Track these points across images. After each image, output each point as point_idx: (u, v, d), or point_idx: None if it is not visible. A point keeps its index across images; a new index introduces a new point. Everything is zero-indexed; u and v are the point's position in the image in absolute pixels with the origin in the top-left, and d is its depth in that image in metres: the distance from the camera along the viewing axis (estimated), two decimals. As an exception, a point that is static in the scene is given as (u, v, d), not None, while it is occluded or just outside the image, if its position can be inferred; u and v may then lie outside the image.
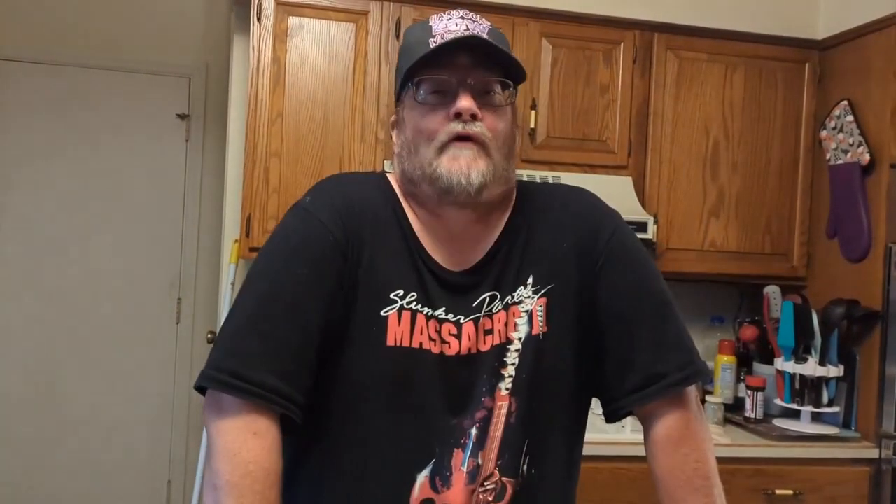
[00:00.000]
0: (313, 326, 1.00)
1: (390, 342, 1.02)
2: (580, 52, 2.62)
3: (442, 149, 1.02)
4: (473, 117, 1.02)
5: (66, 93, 3.39)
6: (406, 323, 1.03)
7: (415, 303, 1.04)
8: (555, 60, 2.60)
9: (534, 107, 2.57)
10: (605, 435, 2.29)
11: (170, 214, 3.51)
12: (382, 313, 1.03)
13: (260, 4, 2.42)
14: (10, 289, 3.36)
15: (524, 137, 2.56)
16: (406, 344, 1.03)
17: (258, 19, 2.42)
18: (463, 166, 1.01)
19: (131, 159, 3.46)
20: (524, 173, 2.49)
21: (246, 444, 0.95)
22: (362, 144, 2.48)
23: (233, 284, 2.67)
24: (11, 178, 3.36)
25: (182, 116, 3.50)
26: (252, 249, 2.43)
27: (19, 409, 3.35)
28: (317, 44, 2.46)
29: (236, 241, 2.60)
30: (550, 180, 2.52)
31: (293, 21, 2.44)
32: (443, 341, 1.04)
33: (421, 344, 1.03)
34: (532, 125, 2.57)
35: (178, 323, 3.52)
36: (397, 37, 2.48)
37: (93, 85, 3.42)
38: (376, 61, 2.48)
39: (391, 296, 1.03)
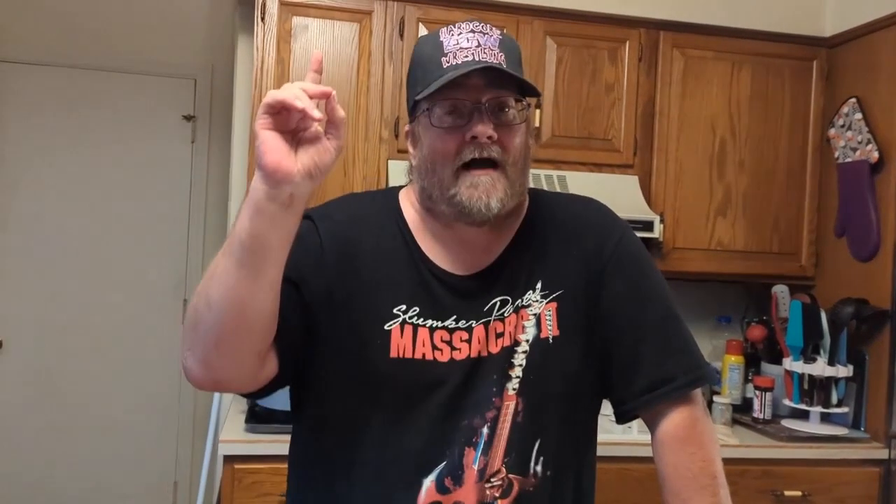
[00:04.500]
0: (289, 306, 1.02)
1: (393, 354, 1.06)
2: (585, 51, 2.60)
3: (458, 173, 1.04)
4: (490, 139, 1.03)
5: (72, 95, 3.40)
6: (408, 336, 1.06)
7: (416, 317, 1.07)
8: (559, 59, 2.59)
9: (539, 105, 2.55)
10: (611, 435, 2.27)
11: (175, 215, 3.51)
12: (386, 327, 1.06)
13: (264, 5, 2.42)
14: (16, 289, 3.36)
15: (529, 137, 2.54)
16: (408, 355, 1.06)
17: (262, 20, 2.42)
18: (482, 195, 1.03)
19: (137, 161, 3.46)
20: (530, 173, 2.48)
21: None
22: (366, 144, 2.47)
23: (238, 285, 2.66)
24: (18, 180, 3.37)
25: (188, 118, 3.51)
26: (256, 250, 2.42)
27: (25, 410, 3.36)
28: (321, 44, 2.46)
29: (241, 241, 2.60)
30: (556, 179, 2.51)
31: (297, 21, 2.44)
32: (453, 348, 1.07)
33: (424, 355, 1.06)
34: (537, 123, 2.55)
35: (183, 323, 3.51)
36: (401, 36, 2.47)
37: (98, 87, 3.42)
38: (380, 61, 2.48)
39: (394, 311, 1.07)
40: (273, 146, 0.84)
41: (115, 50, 3.41)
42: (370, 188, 2.46)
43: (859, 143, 2.57)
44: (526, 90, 1.07)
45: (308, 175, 0.86)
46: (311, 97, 0.84)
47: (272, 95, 0.83)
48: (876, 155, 2.51)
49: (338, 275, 1.07)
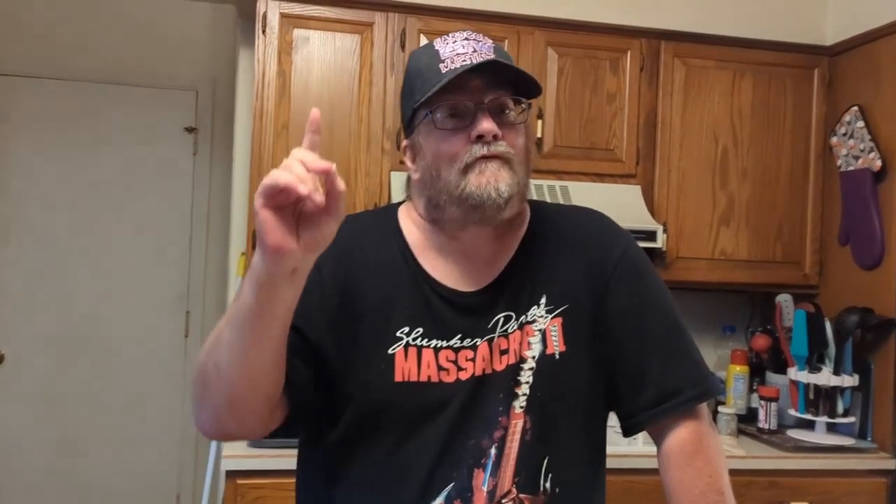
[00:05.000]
0: (295, 354, 1.02)
1: (398, 378, 1.05)
2: (586, 61, 2.60)
3: (466, 169, 1.03)
4: (495, 137, 1.03)
5: (75, 107, 3.41)
6: (413, 359, 1.05)
7: (420, 338, 1.06)
8: (561, 69, 2.59)
9: (540, 116, 2.55)
10: (617, 447, 2.24)
11: (178, 228, 3.51)
12: (390, 351, 1.06)
13: (265, 17, 2.42)
14: (18, 302, 3.36)
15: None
16: (413, 378, 1.05)
17: (263, 32, 2.42)
18: (491, 180, 1.03)
19: (140, 173, 3.47)
20: (531, 183, 2.47)
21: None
22: (368, 155, 2.47)
23: (240, 297, 2.65)
24: (21, 193, 3.37)
25: (190, 130, 3.51)
26: (258, 262, 2.41)
27: (28, 421, 3.35)
28: (322, 55, 2.46)
29: (243, 253, 2.60)
30: (558, 190, 2.50)
31: (298, 33, 2.44)
32: (459, 368, 1.06)
33: (429, 377, 1.05)
34: (539, 134, 2.55)
35: (186, 336, 3.51)
36: (402, 47, 2.47)
37: (101, 99, 3.42)
38: (382, 72, 2.48)
39: (397, 333, 1.06)
40: (274, 226, 0.82)
41: (116, 63, 3.42)
42: (372, 200, 2.45)
43: (862, 151, 2.57)
44: (526, 90, 1.07)
45: (309, 249, 0.85)
46: (309, 170, 0.81)
47: (274, 179, 0.80)
48: (879, 163, 2.50)
49: (341, 306, 1.07)
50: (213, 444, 2.64)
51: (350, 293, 1.07)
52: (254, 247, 2.39)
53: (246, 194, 2.52)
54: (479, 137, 1.03)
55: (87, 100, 3.42)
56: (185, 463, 3.50)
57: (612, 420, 1.19)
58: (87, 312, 3.41)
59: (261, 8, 2.42)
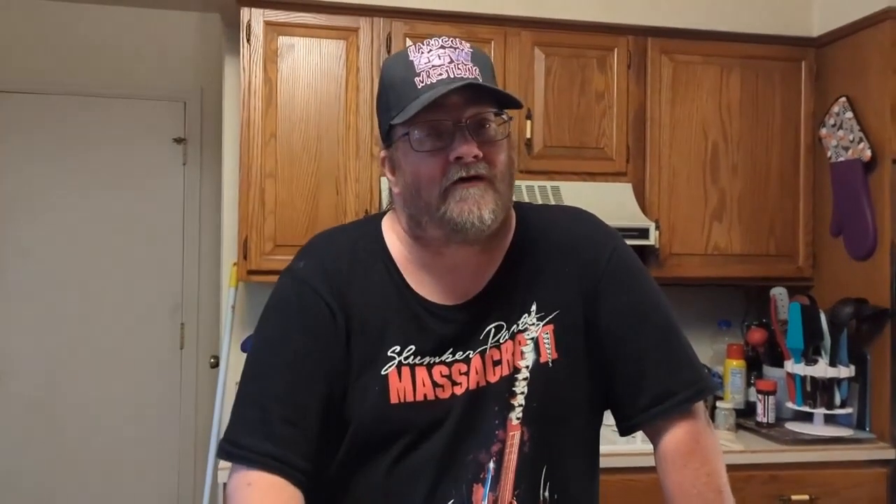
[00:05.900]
0: (311, 392, 1.03)
1: (394, 400, 1.03)
2: (574, 60, 2.60)
3: (446, 193, 1.00)
4: (475, 158, 0.99)
5: (64, 121, 3.39)
6: (407, 378, 1.04)
7: (412, 356, 1.04)
8: (548, 69, 2.58)
9: (529, 117, 2.55)
10: (615, 446, 2.24)
11: (170, 239, 3.50)
12: (383, 372, 1.04)
13: (249, 25, 2.41)
14: (12, 316, 3.34)
15: (521, 148, 2.54)
16: (410, 399, 1.03)
17: (248, 41, 2.41)
18: (473, 208, 0.99)
19: (130, 185, 3.45)
20: (522, 184, 2.47)
21: (240, 492, 1.00)
22: (357, 161, 2.46)
23: (233, 308, 2.64)
24: (12, 207, 3.35)
25: (178, 140, 3.50)
26: (250, 272, 2.41)
27: (23, 437, 3.33)
28: (308, 62, 2.45)
29: (235, 264, 2.58)
30: (549, 190, 2.50)
31: (283, 41, 2.43)
32: (454, 383, 1.04)
33: (425, 395, 1.04)
34: (528, 135, 2.55)
35: (181, 348, 3.49)
36: (389, 52, 2.47)
37: (90, 113, 3.41)
38: (368, 77, 2.47)
39: (388, 353, 1.04)
40: None
41: (104, 75, 3.41)
42: (363, 206, 2.45)
43: (851, 141, 2.57)
44: (505, 103, 1.03)
45: None
46: None
47: None
48: (868, 153, 2.50)
49: (345, 332, 1.05)
50: (211, 457, 2.63)
51: (346, 312, 1.05)
52: (245, 256, 2.39)
53: (235, 203, 2.51)
54: (459, 159, 0.99)
55: (76, 113, 3.40)
56: (182, 476, 3.48)
57: (609, 419, 1.18)
58: (82, 326, 3.39)
59: (244, 17, 2.41)
